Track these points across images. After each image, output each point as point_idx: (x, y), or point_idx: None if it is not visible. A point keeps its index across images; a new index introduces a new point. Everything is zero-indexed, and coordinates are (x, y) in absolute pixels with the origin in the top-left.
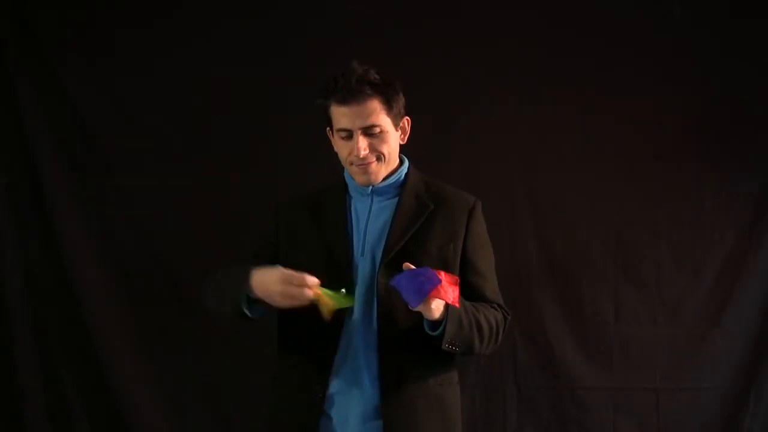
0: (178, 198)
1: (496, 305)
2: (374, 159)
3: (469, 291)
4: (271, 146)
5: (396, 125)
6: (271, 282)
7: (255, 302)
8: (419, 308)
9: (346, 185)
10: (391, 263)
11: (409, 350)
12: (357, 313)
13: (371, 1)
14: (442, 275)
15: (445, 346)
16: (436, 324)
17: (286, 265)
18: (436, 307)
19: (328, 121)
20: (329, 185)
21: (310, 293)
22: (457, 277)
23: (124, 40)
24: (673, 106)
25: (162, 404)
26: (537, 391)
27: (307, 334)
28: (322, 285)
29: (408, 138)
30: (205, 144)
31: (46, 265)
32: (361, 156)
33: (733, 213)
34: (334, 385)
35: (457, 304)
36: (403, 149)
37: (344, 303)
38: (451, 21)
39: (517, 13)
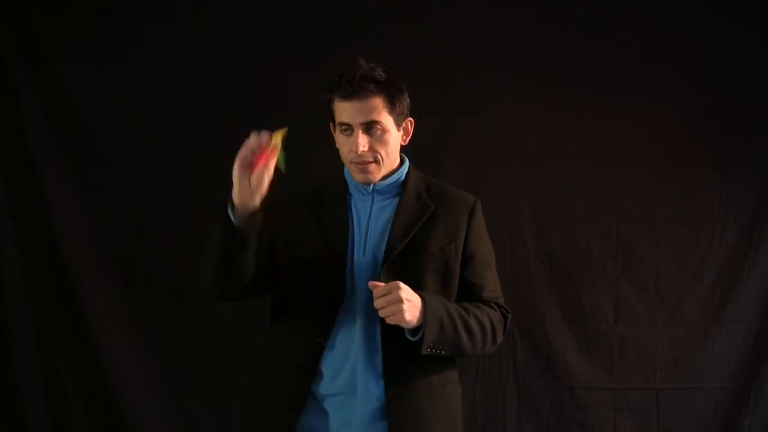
0: (178, 198)
1: (494, 304)
2: (372, 160)
3: (467, 291)
4: None
5: (398, 125)
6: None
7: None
8: (390, 320)
9: (346, 183)
10: (393, 263)
11: (413, 350)
12: (359, 314)
13: (372, 1)
14: None
15: (425, 350)
16: (416, 330)
17: (283, 257)
18: (410, 317)
19: (331, 117)
20: (330, 183)
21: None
22: None
23: (124, 40)
24: (673, 107)
25: (162, 404)
26: (537, 391)
27: (303, 309)
28: (320, 281)
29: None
30: (205, 144)
31: (46, 265)
32: (359, 152)
33: (733, 213)
34: (337, 386)
35: None
36: (404, 149)
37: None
38: (451, 21)
39: (517, 13)
